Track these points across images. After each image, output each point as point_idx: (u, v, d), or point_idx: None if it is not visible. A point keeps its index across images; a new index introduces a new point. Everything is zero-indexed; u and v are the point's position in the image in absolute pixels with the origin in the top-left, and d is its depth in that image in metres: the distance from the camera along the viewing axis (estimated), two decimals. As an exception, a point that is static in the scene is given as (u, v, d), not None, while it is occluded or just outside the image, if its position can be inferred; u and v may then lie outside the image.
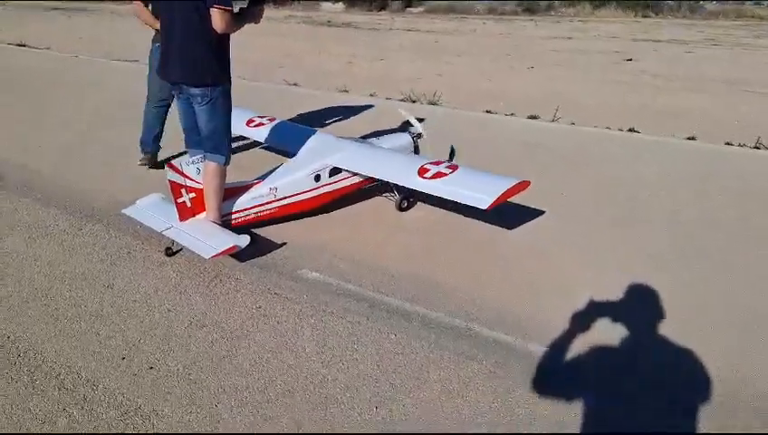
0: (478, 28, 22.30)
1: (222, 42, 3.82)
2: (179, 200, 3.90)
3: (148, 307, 3.44)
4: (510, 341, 3.17)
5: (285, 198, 4.30)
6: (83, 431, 2.52)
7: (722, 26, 26.32)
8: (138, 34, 5.15)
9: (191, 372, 2.91)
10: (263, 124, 5.31)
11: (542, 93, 9.86)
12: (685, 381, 2.90)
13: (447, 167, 4.14)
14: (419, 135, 5.17)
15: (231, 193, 4.11)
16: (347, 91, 9.74)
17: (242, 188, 4.19)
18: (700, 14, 33.88)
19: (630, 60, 14.15)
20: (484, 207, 3.77)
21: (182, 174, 3.84)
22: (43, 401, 2.70)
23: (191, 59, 3.83)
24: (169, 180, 3.85)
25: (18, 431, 2.51)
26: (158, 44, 4.83)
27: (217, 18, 3.66)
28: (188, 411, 2.64)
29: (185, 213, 3.93)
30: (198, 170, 3.90)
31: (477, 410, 2.68)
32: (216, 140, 3.97)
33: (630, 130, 7.73)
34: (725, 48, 17.19)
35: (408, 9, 32.47)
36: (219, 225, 3.98)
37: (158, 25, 4.65)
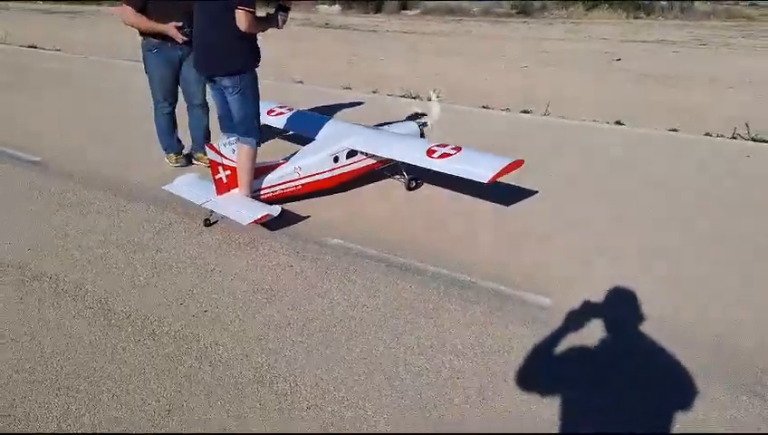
0: (473, 30, 22.91)
1: (248, 36, 4.31)
2: (217, 177, 4.46)
3: (194, 266, 4.00)
4: (506, 290, 3.74)
5: (308, 176, 4.87)
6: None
7: (712, 27, 26.94)
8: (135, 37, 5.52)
9: (239, 314, 3.46)
10: (282, 113, 5.87)
11: (534, 90, 10.45)
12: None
13: (453, 148, 4.71)
14: (425, 123, 5.74)
15: (261, 171, 4.67)
16: (350, 89, 10.31)
17: (270, 167, 4.76)
18: (692, 15, 34.63)
19: (619, 60, 14.78)
20: (484, 181, 4.35)
21: (220, 154, 4.40)
22: (119, 334, 3.26)
23: (220, 52, 4.34)
24: (209, 159, 4.41)
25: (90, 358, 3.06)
26: (155, 50, 5.28)
27: (242, 18, 4.15)
28: (241, 340, 3.21)
29: (221, 188, 4.49)
30: (233, 151, 4.45)
31: (481, 339, 3.25)
32: (248, 125, 4.53)
33: (617, 122, 8.33)
34: (711, 48, 17.86)
35: (404, 11, 33.01)
36: (251, 198, 4.54)
37: (155, 27, 5.10)
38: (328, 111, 8.15)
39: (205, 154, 5.31)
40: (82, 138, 6.94)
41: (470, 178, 4.45)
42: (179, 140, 5.87)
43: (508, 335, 3.28)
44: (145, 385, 2.89)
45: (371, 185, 5.42)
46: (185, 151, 5.94)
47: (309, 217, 4.76)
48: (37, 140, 6.76)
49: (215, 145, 4.38)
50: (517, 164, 4.49)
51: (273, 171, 4.75)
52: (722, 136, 7.62)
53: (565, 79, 12.10)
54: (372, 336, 3.26)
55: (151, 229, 4.56)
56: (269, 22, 4.50)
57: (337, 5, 35.76)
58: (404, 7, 33.91)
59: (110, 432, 2.63)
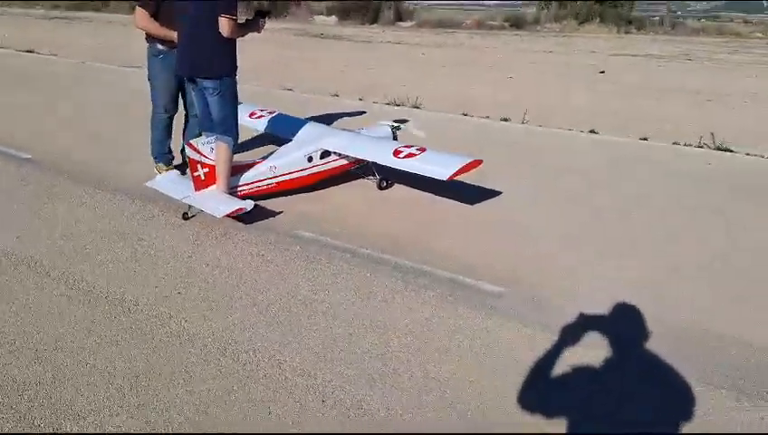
0: (465, 42, 23.29)
1: (229, 42, 4.63)
2: (195, 174, 4.75)
3: (171, 254, 4.29)
4: (460, 279, 4.03)
5: (283, 175, 5.16)
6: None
7: (701, 43, 27.39)
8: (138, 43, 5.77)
9: (209, 295, 3.75)
10: (263, 116, 6.17)
11: (516, 100, 10.77)
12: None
13: (417, 149, 5.02)
14: (398, 127, 6.03)
15: (238, 169, 4.97)
16: (337, 96, 10.64)
17: (247, 166, 5.05)
18: (682, 31, 35.18)
19: (603, 72, 15.16)
20: (443, 178, 4.66)
21: (199, 152, 4.69)
22: (97, 311, 3.54)
23: (203, 56, 4.65)
24: (188, 157, 4.70)
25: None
26: (161, 56, 5.47)
27: (224, 25, 4.49)
28: (209, 319, 3.49)
29: (199, 184, 4.78)
30: (212, 150, 4.74)
31: (431, 321, 3.53)
32: (227, 125, 4.82)
33: (591, 131, 8.66)
34: (697, 63, 18.27)
35: (399, 23, 33.46)
36: (227, 194, 4.83)
37: (165, 34, 5.30)
38: (314, 117, 8.49)
39: None
40: (74, 137, 7.24)
41: (431, 175, 4.75)
42: (170, 150, 5.92)
43: (456, 317, 3.57)
44: (118, 354, 3.16)
45: (344, 184, 5.71)
46: (174, 162, 5.97)
47: (282, 212, 5.05)
48: (30, 139, 7.06)
49: (194, 144, 4.67)
50: (475, 164, 4.79)
51: (250, 169, 5.04)
52: (689, 145, 7.95)
53: (548, 89, 12.45)
54: (330, 316, 3.55)
55: (134, 221, 4.85)
56: (249, 27, 4.82)
57: (334, 16, 36.27)
58: (399, 19, 34.42)
59: (111, 432, 2.73)
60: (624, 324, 3.57)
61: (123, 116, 8.20)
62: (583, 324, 3.49)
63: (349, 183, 5.78)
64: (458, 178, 4.87)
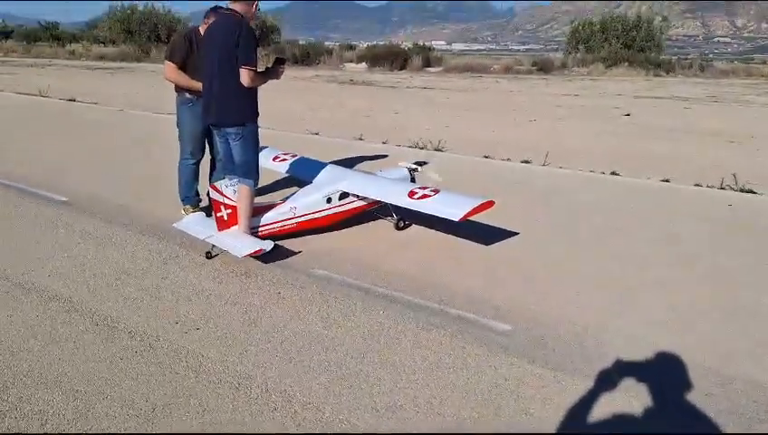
0: (491, 86, 23.66)
1: (250, 90, 4.85)
2: (218, 215, 4.96)
3: (192, 291, 4.45)
4: (469, 317, 4.10)
5: (303, 215, 5.35)
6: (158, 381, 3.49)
7: (730, 84, 27.31)
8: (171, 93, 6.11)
9: (226, 332, 3.88)
10: (285, 159, 6.41)
11: (539, 142, 10.91)
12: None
13: (431, 190, 5.16)
14: (416, 169, 6.21)
15: (260, 210, 5.17)
16: (362, 139, 10.92)
17: (269, 207, 5.25)
18: (711, 72, 35.09)
19: (628, 115, 15.22)
20: (456, 219, 4.77)
21: (222, 194, 4.90)
22: (119, 346, 3.69)
23: (226, 105, 4.89)
24: (211, 198, 4.92)
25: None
26: (189, 104, 5.76)
27: (245, 75, 4.71)
28: (227, 354, 3.61)
29: (222, 225, 4.98)
30: (234, 192, 4.95)
31: (440, 358, 3.59)
32: (248, 168, 5.03)
33: (612, 173, 8.70)
34: (724, 104, 18.20)
35: (426, 68, 34.15)
36: (248, 234, 5.01)
37: (192, 85, 5.61)
38: (338, 160, 8.74)
39: None
40: (108, 181, 7.59)
41: (444, 216, 4.87)
42: (198, 193, 6.20)
43: (464, 355, 3.63)
44: (137, 387, 3.29)
45: (362, 225, 5.87)
46: (201, 204, 6.22)
47: (300, 251, 5.21)
48: (67, 183, 7.43)
49: (217, 186, 4.89)
50: (487, 205, 4.90)
51: (271, 211, 5.24)
52: (711, 187, 7.94)
53: (571, 132, 12.56)
54: (341, 353, 3.64)
55: (159, 260, 5.05)
56: (268, 75, 5.05)
57: (364, 63, 37.25)
58: (427, 65, 35.18)
59: (110, 432, 2.96)
60: (636, 365, 3.57)
61: (155, 160, 8.56)
62: (592, 365, 3.51)
63: (367, 223, 5.93)
64: (476, 218, 5.01)
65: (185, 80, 5.74)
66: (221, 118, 4.99)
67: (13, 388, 3.25)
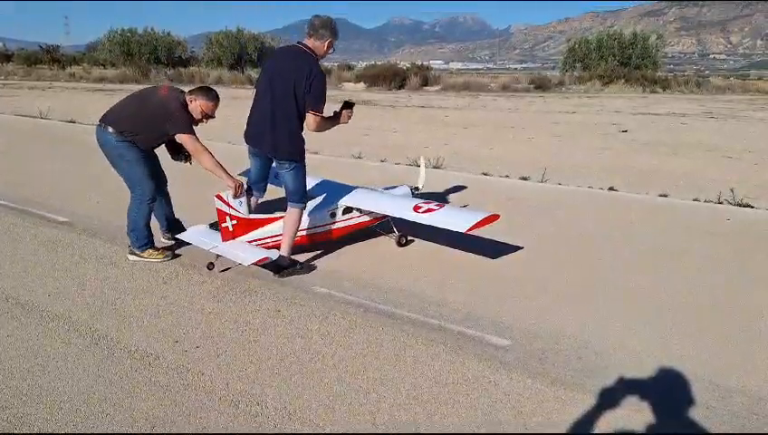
0: (489, 104, 23.82)
1: (301, 125, 4.86)
2: (223, 225, 5.03)
3: (192, 310, 4.45)
4: (468, 332, 4.10)
5: (306, 229, 5.41)
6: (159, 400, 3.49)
7: (726, 101, 27.51)
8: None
9: (227, 350, 3.88)
10: None
11: (537, 159, 10.97)
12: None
13: (436, 204, 5.24)
14: (417, 188, 6.22)
15: (265, 223, 5.24)
16: (360, 158, 10.97)
17: (273, 220, 5.29)
18: (707, 89, 35.39)
19: (626, 131, 15.32)
20: (463, 231, 4.84)
21: (227, 204, 4.98)
22: (120, 365, 3.69)
23: (285, 139, 4.83)
24: (217, 208, 4.98)
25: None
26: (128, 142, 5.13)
27: (311, 122, 4.74)
28: (226, 372, 3.61)
29: (227, 235, 5.05)
30: (241, 203, 5.03)
31: (440, 374, 3.59)
32: (299, 195, 5.05)
33: (610, 188, 8.74)
34: (720, 120, 18.32)
35: (425, 87, 34.40)
36: (252, 244, 5.05)
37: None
38: (337, 178, 8.79)
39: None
40: (107, 201, 7.59)
41: (451, 228, 4.93)
42: (171, 222, 5.86)
43: (464, 370, 3.62)
44: (137, 405, 3.28)
45: (363, 242, 5.90)
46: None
47: (301, 268, 5.21)
48: (67, 204, 7.45)
49: (223, 196, 4.96)
50: (493, 218, 4.95)
51: (275, 224, 5.28)
52: (709, 201, 7.97)
53: (568, 149, 12.63)
54: (341, 370, 3.64)
55: (159, 279, 5.06)
56: (335, 120, 5.05)
57: (362, 83, 37.56)
58: (425, 84, 35.47)
59: (110, 432, 3.01)
60: (636, 379, 3.57)
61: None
62: (593, 379, 3.51)
63: (367, 241, 5.95)
64: (477, 233, 5.05)
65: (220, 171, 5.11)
66: (278, 151, 4.93)
67: (12, 408, 3.24)
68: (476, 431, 3.04)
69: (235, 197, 5.00)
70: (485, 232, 5.25)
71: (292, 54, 4.86)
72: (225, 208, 4.97)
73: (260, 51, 48.03)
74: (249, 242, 5.09)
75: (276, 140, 4.85)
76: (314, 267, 5.29)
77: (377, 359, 3.75)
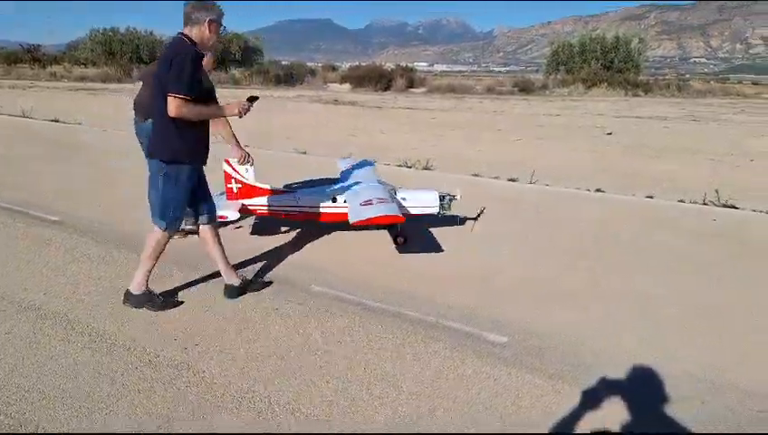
0: (474, 106, 23.96)
1: (187, 123, 4.01)
2: (228, 185, 5.59)
3: (190, 308, 4.46)
4: (466, 329, 4.16)
5: (304, 206, 5.76)
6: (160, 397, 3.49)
7: (708, 104, 27.92)
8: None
9: (226, 347, 3.89)
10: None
11: (524, 161, 11.08)
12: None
13: (379, 201, 5.32)
14: (453, 197, 5.95)
15: (267, 192, 5.72)
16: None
17: (276, 192, 5.78)
18: (689, 92, 35.91)
19: (610, 133, 15.52)
20: (350, 222, 5.20)
21: (234, 169, 5.52)
22: (119, 362, 3.69)
23: (156, 135, 4.21)
24: (225, 171, 5.63)
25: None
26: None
27: (170, 104, 3.90)
28: (226, 369, 3.62)
29: (231, 196, 5.58)
30: (247, 170, 5.55)
31: (440, 371, 3.64)
32: (161, 211, 4.33)
33: (597, 190, 8.87)
34: (702, 123, 18.62)
35: (410, 89, 34.50)
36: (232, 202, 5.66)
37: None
38: (322, 178, 8.82)
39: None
40: (98, 200, 7.57)
41: (350, 218, 5.28)
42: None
43: (464, 366, 3.68)
44: (140, 402, 3.29)
45: (360, 240, 5.95)
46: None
47: (298, 268, 5.25)
48: (58, 203, 7.40)
49: (230, 161, 5.46)
50: (397, 219, 5.14)
51: (278, 195, 5.74)
52: (695, 202, 8.12)
53: (554, 151, 12.77)
54: (342, 366, 3.67)
55: (154, 277, 5.03)
56: (211, 109, 4.24)
57: (347, 84, 37.57)
58: (411, 86, 35.58)
59: (110, 432, 2.99)
60: (632, 375, 3.65)
61: (142, 180, 8.55)
62: (589, 374, 3.59)
63: (364, 240, 6.00)
64: (474, 235, 5.39)
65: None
66: (151, 149, 4.30)
67: (15, 404, 3.23)
68: (477, 431, 3.09)
69: (241, 164, 5.27)
70: (479, 234, 5.32)
71: (164, 48, 4.32)
72: (231, 172, 5.60)
73: (243, 50, 47.87)
74: (248, 206, 5.68)
75: (153, 138, 4.27)
76: (269, 283, 4.92)
77: (377, 357, 3.79)
